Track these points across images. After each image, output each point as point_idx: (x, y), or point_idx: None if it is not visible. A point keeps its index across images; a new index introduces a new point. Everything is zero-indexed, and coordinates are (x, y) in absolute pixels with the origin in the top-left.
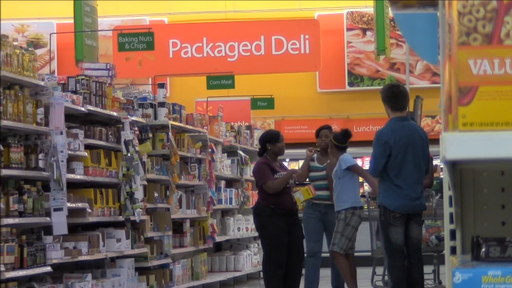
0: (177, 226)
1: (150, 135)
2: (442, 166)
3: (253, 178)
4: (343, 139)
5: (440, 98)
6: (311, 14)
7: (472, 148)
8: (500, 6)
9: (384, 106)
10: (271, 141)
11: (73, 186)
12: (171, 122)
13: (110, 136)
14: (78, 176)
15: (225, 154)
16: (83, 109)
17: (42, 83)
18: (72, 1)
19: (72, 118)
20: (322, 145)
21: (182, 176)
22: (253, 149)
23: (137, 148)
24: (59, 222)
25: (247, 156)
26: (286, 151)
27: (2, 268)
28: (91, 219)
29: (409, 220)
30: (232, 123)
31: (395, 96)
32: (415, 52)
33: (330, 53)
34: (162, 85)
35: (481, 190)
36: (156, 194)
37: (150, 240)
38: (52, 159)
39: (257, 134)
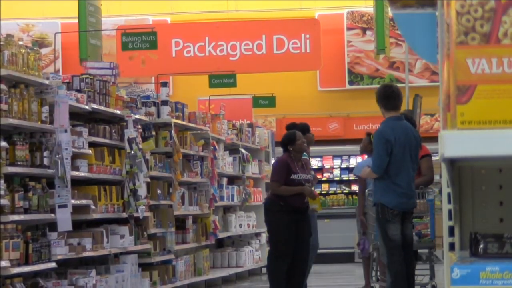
0: (180, 223)
1: (153, 133)
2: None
3: (254, 176)
4: None
5: (439, 96)
6: (311, 14)
7: (471, 146)
8: (497, 6)
9: (378, 106)
10: (290, 143)
11: (77, 183)
12: (174, 120)
13: (113, 134)
14: (82, 174)
15: (227, 151)
16: (87, 107)
17: (47, 82)
18: (77, 1)
19: (77, 116)
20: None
21: (185, 174)
22: (255, 147)
23: (140, 146)
24: (64, 219)
25: (249, 154)
26: None
27: (8, 264)
28: (95, 216)
29: (403, 218)
30: (234, 121)
31: (388, 95)
32: (414, 51)
33: (330, 52)
34: (165, 84)
35: (479, 187)
36: (159, 191)
37: (153, 236)
38: (57, 156)
39: (259, 132)
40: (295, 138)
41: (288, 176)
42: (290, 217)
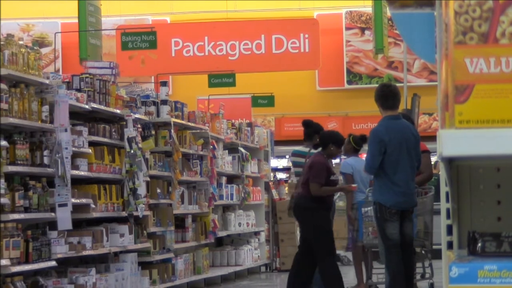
0: (179, 222)
1: (153, 132)
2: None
3: (253, 175)
4: (361, 143)
5: (437, 96)
6: (310, 14)
7: (469, 145)
8: (495, 6)
9: (377, 105)
10: (336, 144)
11: (77, 182)
12: (173, 119)
13: (113, 133)
14: (82, 173)
15: (226, 151)
16: (87, 106)
17: (47, 81)
18: (77, 1)
19: (76, 115)
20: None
21: (184, 173)
22: (254, 146)
23: (140, 145)
24: (64, 218)
25: (248, 153)
26: (286, 148)
27: (8, 263)
28: (95, 215)
29: (403, 217)
30: (233, 121)
31: (385, 95)
32: (412, 51)
33: (329, 52)
34: (164, 83)
35: (477, 186)
36: (158, 190)
37: (153, 235)
38: (57, 155)
39: (258, 131)
40: (342, 144)
41: (328, 177)
42: (327, 214)
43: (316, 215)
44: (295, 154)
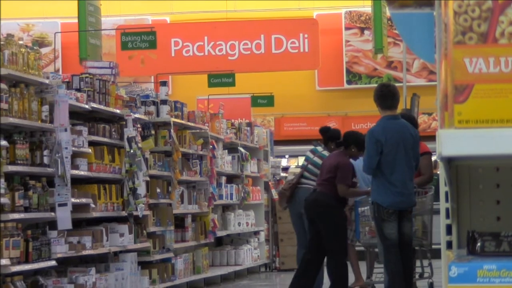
0: (179, 221)
1: (153, 132)
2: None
3: (253, 174)
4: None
5: (437, 95)
6: (310, 14)
7: (468, 145)
8: (495, 5)
9: (376, 105)
10: (358, 147)
11: (77, 182)
12: (173, 119)
13: (113, 133)
14: (82, 172)
15: (226, 150)
16: (87, 106)
17: (47, 81)
18: (76, 1)
19: (76, 115)
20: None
21: (184, 172)
22: (253, 146)
23: (139, 145)
24: (64, 217)
25: (247, 153)
26: (286, 148)
27: (8, 262)
28: (95, 214)
29: (401, 217)
30: (232, 120)
31: (383, 95)
32: (412, 51)
33: (328, 52)
34: (164, 83)
35: (476, 186)
36: (158, 190)
37: (153, 234)
38: (57, 155)
39: (257, 131)
40: (364, 147)
41: (352, 179)
42: (345, 213)
43: (337, 213)
44: (311, 150)
